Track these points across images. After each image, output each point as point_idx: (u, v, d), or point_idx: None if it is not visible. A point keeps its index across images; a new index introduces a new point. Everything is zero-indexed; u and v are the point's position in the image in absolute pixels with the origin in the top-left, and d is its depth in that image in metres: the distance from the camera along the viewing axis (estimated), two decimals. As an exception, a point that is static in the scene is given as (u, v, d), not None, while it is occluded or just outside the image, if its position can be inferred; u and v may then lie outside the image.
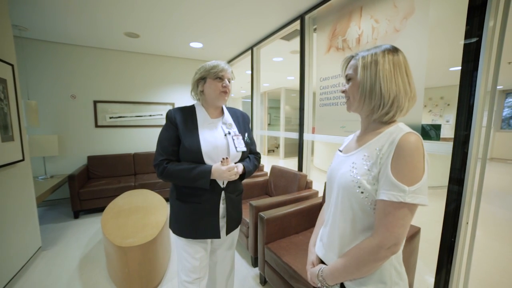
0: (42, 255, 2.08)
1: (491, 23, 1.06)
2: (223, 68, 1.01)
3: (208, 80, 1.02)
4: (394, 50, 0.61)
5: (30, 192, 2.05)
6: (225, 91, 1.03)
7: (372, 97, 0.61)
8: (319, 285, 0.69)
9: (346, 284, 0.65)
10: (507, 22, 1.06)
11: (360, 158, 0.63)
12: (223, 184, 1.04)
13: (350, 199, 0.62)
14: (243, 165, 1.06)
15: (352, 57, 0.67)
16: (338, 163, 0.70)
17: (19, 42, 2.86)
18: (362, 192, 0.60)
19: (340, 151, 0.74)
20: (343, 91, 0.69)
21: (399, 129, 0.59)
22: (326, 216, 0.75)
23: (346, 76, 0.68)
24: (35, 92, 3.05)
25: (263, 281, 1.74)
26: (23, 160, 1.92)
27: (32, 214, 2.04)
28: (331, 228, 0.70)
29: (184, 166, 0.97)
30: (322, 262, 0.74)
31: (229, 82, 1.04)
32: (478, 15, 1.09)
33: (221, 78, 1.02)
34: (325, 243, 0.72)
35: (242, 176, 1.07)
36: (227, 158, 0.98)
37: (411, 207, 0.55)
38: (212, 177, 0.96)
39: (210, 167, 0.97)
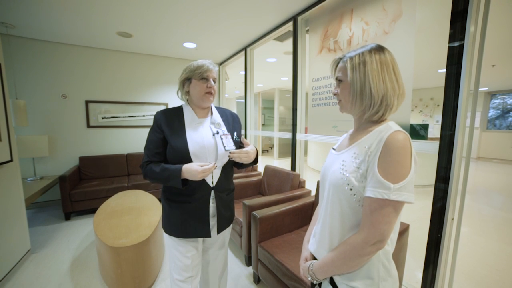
0: (31, 258, 2.04)
1: (472, 28, 1.11)
2: (208, 68, 1.01)
3: (193, 81, 1.02)
4: (380, 49, 0.63)
5: (19, 194, 2.00)
6: (210, 92, 1.03)
7: (363, 98, 0.62)
8: (309, 278, 0.71)
9: (335, 279, 0.67)
10: (486, 27, 1.11)
11: (350, 156, 0.64)
12: (212, 183, 1.04)
13: (339, 196, 0.64)
14: (255, 148, 1.07)
15: (340, 59, 0.68)
16: (331, 161, 0.71)
17: (5, 39, 2.79)
18: (351, 189, 0.61)
19: (334, 149, 0.75)
20: (335, 94, 0.70)
21: (388, 128, 0.60)
22: (319, 213, 0.77)
23: (337, 78, 0.69)
24: (24, 91, 2.98)
25: (256, 279, 1.75)
26: (11, 160, 1.87)
27: (20, 216, 2.00)
28: (322, 224, 0.71)
29: (159, 167, 0.96)
30: (314, 258, 0.75)
31: (214, 82, 1.04)
32: (460, 20, 1.14)
33: (206, 79, 1.02)
34: (317, 239, 0.74)
35: (255, 160, 1.09)
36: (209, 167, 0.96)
37: (396, 205, 0.55)
38: (184, 176, 0.93)
39: (181, 167, 0.93)
